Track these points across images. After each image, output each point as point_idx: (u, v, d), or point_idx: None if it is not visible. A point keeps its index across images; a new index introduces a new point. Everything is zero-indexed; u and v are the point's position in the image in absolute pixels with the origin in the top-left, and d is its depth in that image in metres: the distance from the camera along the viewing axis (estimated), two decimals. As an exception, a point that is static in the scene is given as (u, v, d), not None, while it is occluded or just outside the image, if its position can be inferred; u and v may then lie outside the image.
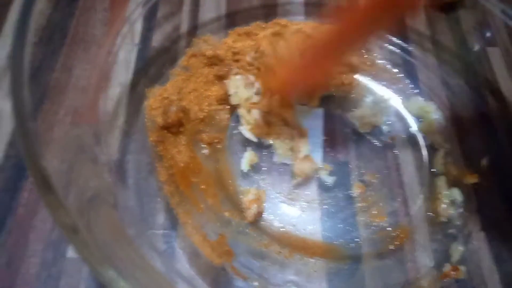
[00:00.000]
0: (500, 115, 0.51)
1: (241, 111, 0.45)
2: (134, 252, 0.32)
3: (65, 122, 0.37)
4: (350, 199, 0.44)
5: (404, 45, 0.55)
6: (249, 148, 0.45)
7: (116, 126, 0.41)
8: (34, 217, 0.41)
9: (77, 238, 0.24)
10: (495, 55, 0.55)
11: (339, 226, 0.43)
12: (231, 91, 0.46)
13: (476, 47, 0.56)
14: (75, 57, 0.44)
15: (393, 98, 0.51)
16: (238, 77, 0.47)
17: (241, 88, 0.46)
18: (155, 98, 0.44)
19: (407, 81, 0.53)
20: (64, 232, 0.24)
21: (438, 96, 0.52)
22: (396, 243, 0.43)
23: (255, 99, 0.45)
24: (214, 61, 0.48)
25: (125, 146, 0.41)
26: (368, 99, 0.50)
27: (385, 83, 0.52)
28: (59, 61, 0.42)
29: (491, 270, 0.41)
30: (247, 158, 0.43)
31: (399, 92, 0.52)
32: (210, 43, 0.51)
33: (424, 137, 0.49)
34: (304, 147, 0.44)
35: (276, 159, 0.45)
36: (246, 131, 0.44)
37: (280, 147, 0.44)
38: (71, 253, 0.39)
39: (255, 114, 0.44)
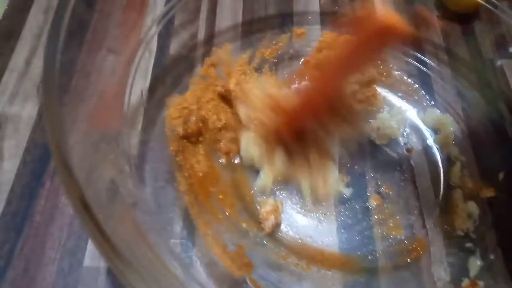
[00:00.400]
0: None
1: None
2: (155, 256, 0.31)
3: (83, 129, 0.37)
4: (367, 211, 0.44)
5: (420, 56, 0.55)
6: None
7: (134, 134, 0.41)
8: (51, 224, 0.41)
9: (96, 229, 0.24)
10: (510, 68, 0.55)
11: (356, 238, 0.43)
12: (242, 150, 0.44)
13: (497, 63, 0.56)
14: (93, 64, 0.44)
15: (409, 109, 0.51)
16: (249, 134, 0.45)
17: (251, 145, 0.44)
18: (175, 107, 0.44)
19: (423, 92, 0.53)
20: (83, 224, 0.24)
21: (453, 108, 0.52)
22: (412, 256, 0.42)
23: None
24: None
25: (143, 154, 0.41)
26: (385, 111, 0.50)
27: (401, 94, 0.52)
28: (77, 68, 0.42)
29: (508, 285, 0.41)
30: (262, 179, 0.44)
31: (415, 103, 0.52)
32: (224, 59, 0.50)
33: (440, 149, 0.49)
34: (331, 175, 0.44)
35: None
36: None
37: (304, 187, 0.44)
38: (87, 261, 0.39)
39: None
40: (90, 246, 0.40)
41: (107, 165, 0.35)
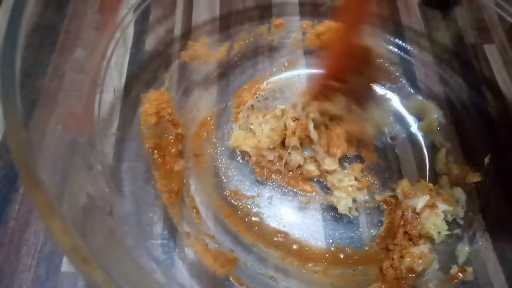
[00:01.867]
0: (499, 112, 0.50)
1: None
2: (132, 261, 0.30)
3: (57, 130, 0.36)
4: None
5: (401, 43, 0.54)
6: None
7: (110, 133, 0.40)
8: (26, 230, 0.39)
9: (73, 249, 0.22)
10: (491, 52, 0.55)
11: (341, 231, 0.42)
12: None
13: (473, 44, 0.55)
14: (66, 63, 0.42)
15: (392, 97, 0.50)
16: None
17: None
18: (151, 103, 0.42)
19: (405, 80, 0.52)
20: (59, 243, 0.23)
21: (436, 94, 0.51)
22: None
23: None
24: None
25: (120, 153, 0.40)
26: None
27: (383, 82, 0.51)
28: (50, 67, 0.41)
29: (497, 270, 0.40)
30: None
31: (397, 91, 0.51)
32: (201, 52, 0.49)
33: (425, 136, 0.48)
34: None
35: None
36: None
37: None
38: (65, 267, 0.38)
39: None
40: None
41: (81, 172, 0.33)
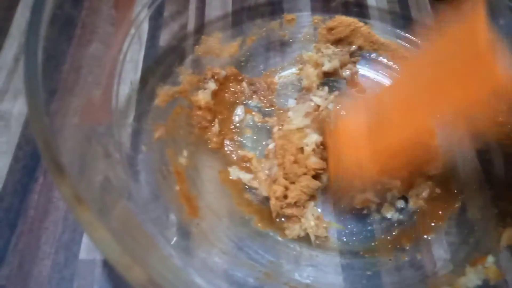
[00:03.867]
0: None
1: None
2: (151, 243, 0.31)
3: (76, 120, 0.37)
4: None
5: (412, 38, 0.54)
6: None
7: (127, 124, 0.41)
8: (45, 219, 0.41)
9: (91, 221, 0.23)
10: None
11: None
12: None
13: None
14: (83, 58, 0.43)
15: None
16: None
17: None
18: (164, 97, 0.43)
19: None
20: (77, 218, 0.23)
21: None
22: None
23: None
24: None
25: (137, 144, 0.41)
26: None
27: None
28: (67, 62, 0.42)
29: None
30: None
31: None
32: (214, 47, 0.50)
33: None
34: None
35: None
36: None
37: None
38: (83, 254, 0.39)
39: None
40: (86, 239, 0.40)
41: (100, 159, 0.34)
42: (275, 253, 0.40)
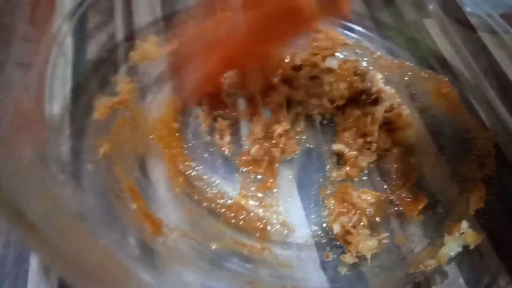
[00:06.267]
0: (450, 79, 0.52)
1: None
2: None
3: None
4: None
5: (347, 24, 0.55)
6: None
7: (62, 143, 0.36)
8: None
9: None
10: (431, 25, 0.57)
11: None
12: None
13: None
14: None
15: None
16: None
17: None
18: (103, 110, 0.39)
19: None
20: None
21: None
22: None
23: None
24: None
25: (79, 164, 0.36)
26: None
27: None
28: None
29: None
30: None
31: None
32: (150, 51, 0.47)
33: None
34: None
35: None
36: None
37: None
38: None
39: None
40: (31, 285, 0.34)
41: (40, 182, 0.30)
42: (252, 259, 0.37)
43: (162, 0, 0.53)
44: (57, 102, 0.38)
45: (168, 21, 0.51)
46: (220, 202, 0.38)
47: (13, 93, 0.37)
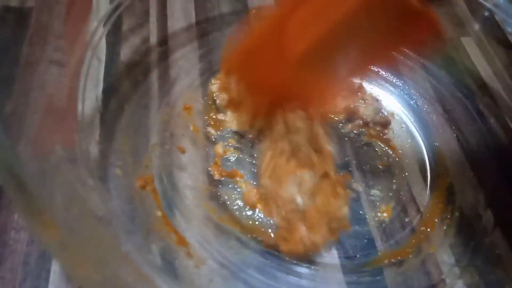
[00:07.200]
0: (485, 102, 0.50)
1: None
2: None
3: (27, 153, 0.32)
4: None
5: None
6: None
7: (93, 144, 0.36)
8: (0, 266, 0.34)
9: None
10: (470, 45, 0.55)
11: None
12: None
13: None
14: (32, 80, 0.38)
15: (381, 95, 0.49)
16: None
17: None
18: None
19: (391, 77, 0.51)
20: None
21: (424, 89, 0.51)
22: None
23: None
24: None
25: (106, 167, 0.36)
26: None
27: (374, 83, 0.50)
28: (14, 87, 0.37)
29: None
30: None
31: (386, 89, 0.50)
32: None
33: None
34: None
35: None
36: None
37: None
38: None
39: None
40: (52, 285, 0.34)
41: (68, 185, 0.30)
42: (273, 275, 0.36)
43: (196, 5, 0.53)
44: (89, 102, 0.38)
45: (201, 27, 0.51)
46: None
47: (46, 90, 0.38)
